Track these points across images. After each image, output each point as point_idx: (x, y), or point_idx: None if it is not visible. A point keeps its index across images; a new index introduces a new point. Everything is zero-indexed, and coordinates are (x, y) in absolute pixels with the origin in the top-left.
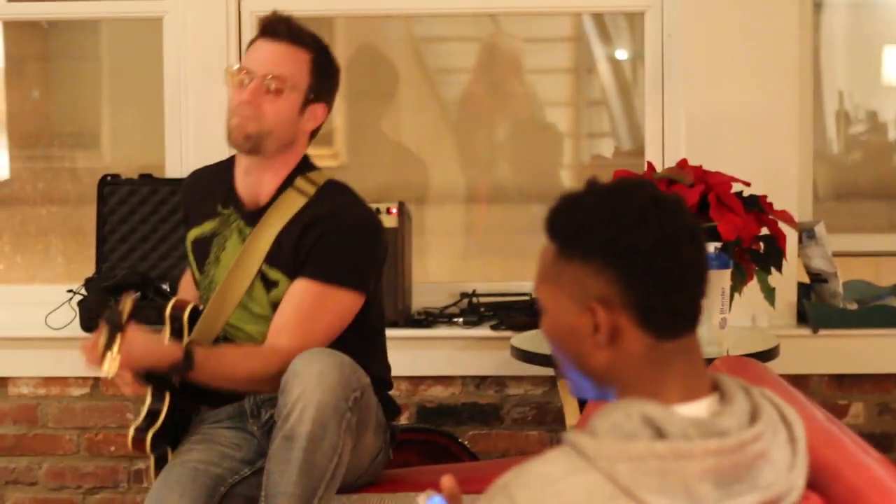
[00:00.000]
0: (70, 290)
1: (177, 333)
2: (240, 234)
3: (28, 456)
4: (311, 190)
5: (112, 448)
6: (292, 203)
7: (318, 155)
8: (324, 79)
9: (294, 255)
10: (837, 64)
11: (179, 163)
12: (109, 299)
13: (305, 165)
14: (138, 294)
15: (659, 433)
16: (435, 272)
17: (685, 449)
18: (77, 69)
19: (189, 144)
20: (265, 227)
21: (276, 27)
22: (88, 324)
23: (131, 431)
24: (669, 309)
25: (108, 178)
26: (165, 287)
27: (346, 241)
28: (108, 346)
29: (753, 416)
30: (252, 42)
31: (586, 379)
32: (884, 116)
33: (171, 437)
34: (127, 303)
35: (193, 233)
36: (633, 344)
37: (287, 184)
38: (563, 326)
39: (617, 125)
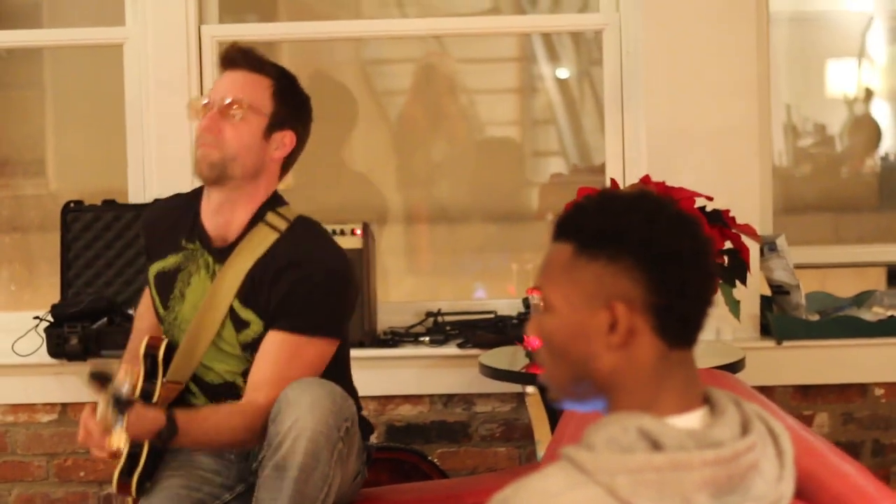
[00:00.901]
0: (36, 317)
1: (151, 372)
2: (207, 269)
3: None
4: (283, 225)
5: (81, 473)
6: (263, 239)
7: None
8: (288, 105)
9: (268, 298)
10: (783, 78)
11: (142, 188)
12: (108, 377)
13: (275, 200)
14: (139, 370)
15: (655, 445)
16: (392, 293)
17: (683, 460)
18: (25, 97)
19: (152, 170)
20: (235, 263)
21: (234, 57)
22: (56, 350)
23: (115, 476)
24: (686, 316)
25: (72, 204)
26: (131, 312)
27: (320, 291)
28: (116, 424)
29: (745, 428)
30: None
31: (582, 384)
32: (831, 129)
33: (151, 476)
34: (135, 378)
35: (156, 266)
36: (644, 350)
37: (257, 218)
38: (573, 326)
39: (565, 143)
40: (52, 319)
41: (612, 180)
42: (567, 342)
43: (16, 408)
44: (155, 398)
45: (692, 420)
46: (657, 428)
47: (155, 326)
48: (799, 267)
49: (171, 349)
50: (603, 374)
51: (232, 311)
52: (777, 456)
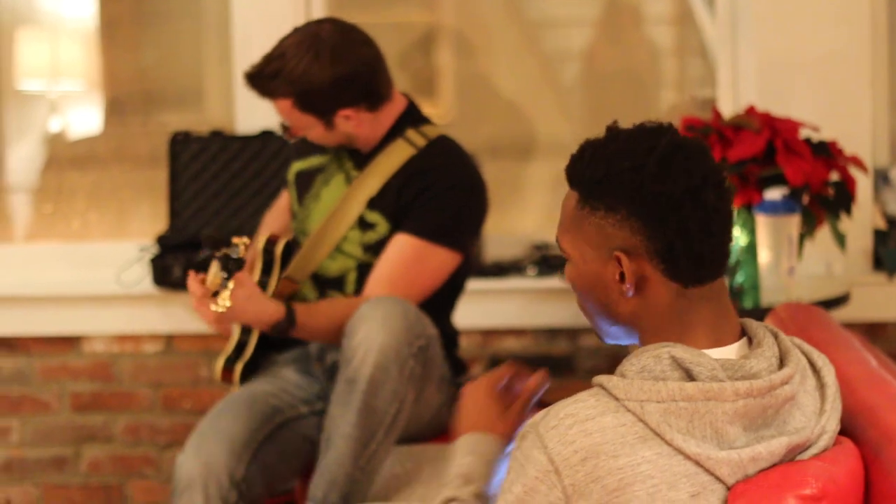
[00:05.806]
0: (142, 248)
1: (267, 267)
2: (346, 175)
3: (104, 413)
4: (422, 142)
5: (187, 404)
6: (401, 152)
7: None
8: (317, 103)
9: (396, 201)
10: None
11: (251, 119)
12: (221, 240)
13: (415, 116)
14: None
15: (688, 375)
16: (534, 226)
17: (715, 389)
18: (170, 30)
19: (260, 101)
20: (372, 173)
21: (253, 87)
22: (160, 280)
23: (220, 361)
24: (694, 257)
25: (179, 135)
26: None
27: (450, 199)
28: (224, 283)
29: (782, 361)
30: None
31: (611, 326)
32: None
33: (255, 370)
34: (248, 245)
35: (297, 165)
36: (659, 293)
37: (396, 132)
38: (589, 276)
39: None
40: (157, 250)
41: (715, 110)
42: (588, 290)
43: (122, 339)
44: (270, 292)
45: (728, 353)
46: (691, 357)
47: (282, 227)
48: None
49: (289, 247)
50: (626, 318)
51: (360, 216)
52: (818, 389)
